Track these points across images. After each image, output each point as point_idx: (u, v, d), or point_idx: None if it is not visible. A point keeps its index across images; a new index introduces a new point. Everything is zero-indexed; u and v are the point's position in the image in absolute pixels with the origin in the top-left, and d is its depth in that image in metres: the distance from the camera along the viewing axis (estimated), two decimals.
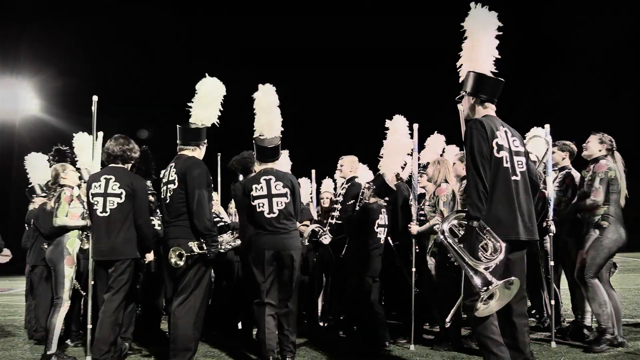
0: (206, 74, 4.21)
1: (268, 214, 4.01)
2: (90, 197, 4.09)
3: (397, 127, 5.16)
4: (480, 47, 3.17)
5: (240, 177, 4.89)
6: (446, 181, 4.63)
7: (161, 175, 4.10)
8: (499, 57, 3.19)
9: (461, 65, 3.27)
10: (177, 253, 3.63)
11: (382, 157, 5.21)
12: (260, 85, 4.39)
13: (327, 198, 6.61)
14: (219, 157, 7.11)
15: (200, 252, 3.72)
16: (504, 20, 3.21)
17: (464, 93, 3.19)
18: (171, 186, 3.88)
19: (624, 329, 5.22)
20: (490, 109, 3.13)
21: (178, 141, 4.09)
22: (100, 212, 4.04)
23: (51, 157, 5.88)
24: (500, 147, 2.91)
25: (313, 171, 7.06)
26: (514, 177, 2.93)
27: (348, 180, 5.39)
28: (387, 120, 5.24)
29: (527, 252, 4.99)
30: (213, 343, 5.07)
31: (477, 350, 4.43)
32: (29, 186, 6.35)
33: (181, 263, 3.62)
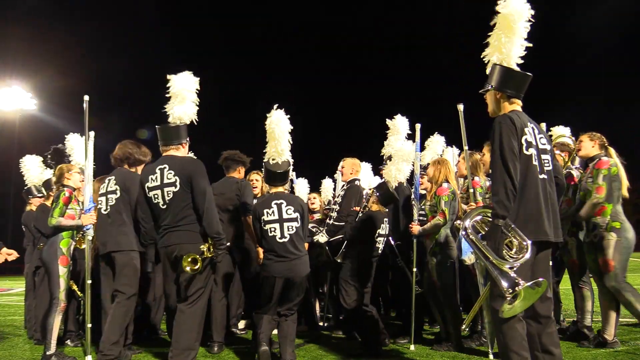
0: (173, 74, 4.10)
1: (280, 238, 4.03)
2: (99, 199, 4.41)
3: (398, 127, 5.15)
4: (512, 38, 2.98)
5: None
6: (447, 181, 4.62)
7: (147, 180, 3.85)
8: (528, 49, 3.02)
9: (487, 56, 3.08)
10: (190, 259, 3.59)
11: (386, 164, 5.22)
12: (272, 111, 4.36)
13: (314, 198, 6.61)
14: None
15: (210, 255, 3.70)
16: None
17: (489, 87, 3.04)
18: (170, 189, 3.73)
19: (624, 329, 5.23)
20: (517, 105, 3.01)
21: (160, 142, 4.00)
22: (104, 210, 4.32)
23: (49, 157, 5.88)
24: (529, 144, 2.82)
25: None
26: (542, 176, 2.84)
27: (348, 182, 5.39)
28: (387, 120, 5.23)
29: None
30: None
31: (478, 350, 4.44)
32: (25, 188, 6.38)
33: (197, 267, 3.60)
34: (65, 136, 5.67)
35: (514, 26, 2.97)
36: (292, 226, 4.07)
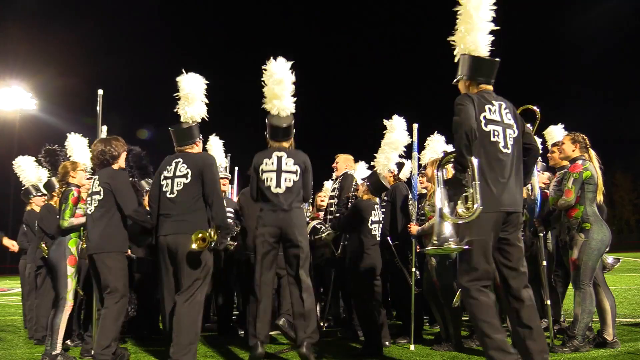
0: (183, 70, 4.16)
1: (275, 188, 4.00)
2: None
3: (395, 127, 5.16)
4: (474, 27, 3.09)
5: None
6: None
7: (163, 170, 3.98)
8: (494, 37, 3.13)
9: (455, 47, 3.19)
10: (200, 234, 3.64)
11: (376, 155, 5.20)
12: (272, 60, 4.16)
13: (324, 197, 6.63)
14: (228, 158, 7.13)
15: (214, 239, 3.75)
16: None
17: (460, 77, 3.15)
18: (182, 180, 3.87)
19: (624, 329, 5.22)
20: (485, 88, 3.11)
21: (175, 143, 4.11)
22: (89, 212, 4.22)
23: (42, 158, 5.87)
24: (488, 121, 2.93)
25: None
26: (505, 150, 2.94)
27: (342, 175, 5.40)
28: (384, 120, 5.23)
29: (531, 251, 5.06)
30: (213, 343, 5.06)
31: (478, 351, 4.44)
32: (23, 189, 6.37)
33: (204, 245, 3.64)
34: (67, 134, 5.67)
35: (474, 14, 3.06)
36: (289, 178, 4.03)
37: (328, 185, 7.77)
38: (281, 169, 4.05)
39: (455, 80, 3.21)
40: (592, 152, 4.46)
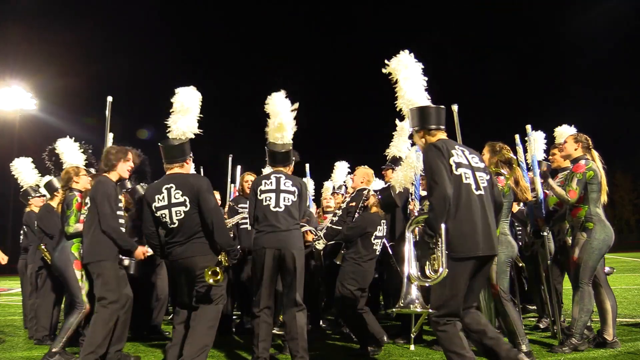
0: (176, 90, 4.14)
1: (274, 207, 4.03)
2: None
3: (406, 128, 5.15)
4: (409, 86, 3.46)
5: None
6: None
7: (152, 202, 3.83)
8: (427, 87, 3.56)
9: (400, 107, 3.60)
10: (211, 271, 3.60)
11: (390, 165, 5.21)
12: (273, 94, 4.38)
13: (329, 198, 6.65)
14: (230, 159, 7.12)
15: (227, 264, 3.75)
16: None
17: (412, 130, 3.31)
18: (180, 208, 3.74)
19: (624, 329, 5.22)
20: (441, 134, 3.22)
21: (164, 160, 3.98)
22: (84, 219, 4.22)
23: (46, 157, 5.87)
24: (458, 165, 2.98)
25: (307, 165, 7.03)
26: (478, 192, 2.99)
27: (357, 191, 5.36)
28: (397, 120, 5.24)
29: (532, 251, 5.06)
30: (213, 343, 5.05)
31: (478, 351, 4.43)
32: (22, 190, 6.38)
33: (218, 278, 3.61)
34: (66, 136, 5.66)
35: (407, 75, 3.48)
36: (288, 198, 4.09)
37: (327, 185, 7.78)
38: (280, 189, 4.11)
39: (409, 135, 3.39)
40: (595, 153, 4.45)
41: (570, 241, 4.73)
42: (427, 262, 2.93)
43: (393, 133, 5.24)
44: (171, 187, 3.78)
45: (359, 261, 4.55)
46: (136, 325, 5.51)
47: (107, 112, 4.60)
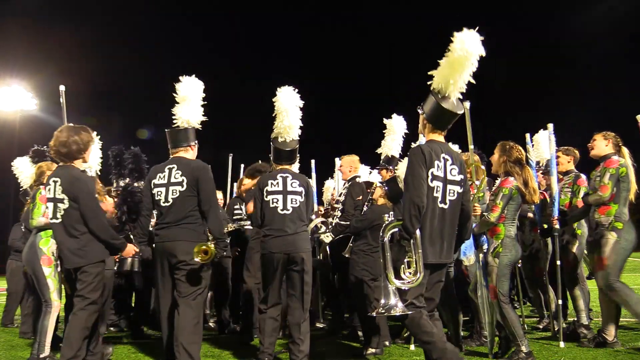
0: (180, 78, 4.15)
1: (282, 210, 4.02)
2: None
3: (395, 127, 5.15)
4: (461, 74, 3.11)
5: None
6: None
7: (154, 178, 3.87)
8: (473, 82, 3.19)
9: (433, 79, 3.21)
10: (202, 250, 3.61)
11: (384, 165, 5.20)
12: (280, 88, 4.34)
13: (331, 195, 6.67)
14: (230, 157, 7.12)
15: (214, 253, 3.71)
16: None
17: (422, 112, 3.27)
18: (177, 188, 3.77)
19: (624, 329, 5.23)
20: (439, 135, 3.25)
21: (169, 144, 4.03)
22: (51, 219, 3.70)
23: (30, 159, 5.89)
24: (434, 177, 3.05)
25: (312, 161, 7.02)
26: (441, 205, 3.08)
27: (349, 180, 5.38)
28: (384, 119, 5.24)
29: (531, 250, 5.07)
30: (213, 343, 5.07)
31: (478, 351, 4.45)
32: (21, 190, 6.40)
33: (207, 257, 3.61)
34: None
35: (465, 63, 3.11)
36: (295, 199, 4.06)
37: (329, 184, 7.77)
38: (287, 190, 4.08)
39: (418, 109, 3.31)
40: (625, 150, 4.42)
41: (571, 242, 4.75)
42: (402, 266, 3.04)
43: (384, 132, 5.22)
44: (173, 167, 3.86)
45: (369, 252, 4.56)
46: (136, 325, 5.53)
47: (62, 100, 4.54)
